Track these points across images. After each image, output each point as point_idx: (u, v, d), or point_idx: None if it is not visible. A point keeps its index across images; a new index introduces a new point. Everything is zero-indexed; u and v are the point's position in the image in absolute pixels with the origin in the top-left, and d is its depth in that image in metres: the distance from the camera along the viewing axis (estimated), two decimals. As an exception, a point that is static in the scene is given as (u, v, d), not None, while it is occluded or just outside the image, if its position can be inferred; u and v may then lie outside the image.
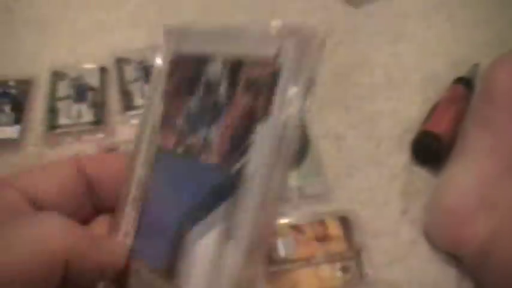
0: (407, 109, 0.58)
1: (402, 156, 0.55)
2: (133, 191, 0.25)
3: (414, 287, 0.47)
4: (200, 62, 0.24)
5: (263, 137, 0.21)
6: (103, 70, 0.60)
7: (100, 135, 0.54)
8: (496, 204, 0.43)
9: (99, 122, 0.55)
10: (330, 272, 0.47)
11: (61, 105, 0.56)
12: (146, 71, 0.59)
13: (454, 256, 0.47)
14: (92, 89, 0.58)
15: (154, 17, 0.69)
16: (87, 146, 0.53)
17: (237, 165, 0.21)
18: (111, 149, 0.51)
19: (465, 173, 0.46)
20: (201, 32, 0.25)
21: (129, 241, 0.25)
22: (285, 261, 0.48)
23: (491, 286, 0.43)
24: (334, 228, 0.50)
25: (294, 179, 0.53)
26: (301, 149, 0.53)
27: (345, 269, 0.48)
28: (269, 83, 0.21)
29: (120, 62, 0.61)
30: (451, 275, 0.47)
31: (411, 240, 0.49)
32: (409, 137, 0.55)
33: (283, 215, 0.50)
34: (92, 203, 0.26)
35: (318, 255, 0.48)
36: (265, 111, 0.21)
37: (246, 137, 0.21)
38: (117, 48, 0.62)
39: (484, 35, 0.64)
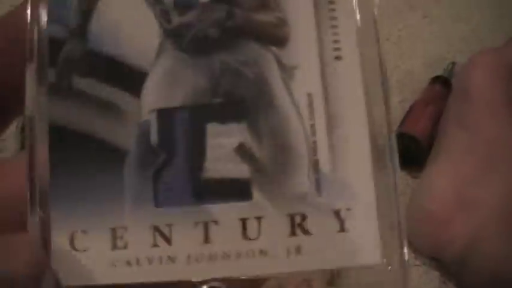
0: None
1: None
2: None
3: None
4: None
5: None
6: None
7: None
8: (476, 205, 0.42)
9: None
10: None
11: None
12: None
13: (436, 259, 0.46)
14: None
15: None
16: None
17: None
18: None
19: (443, 175, 0.45)
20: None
21: None
22: None
23: None
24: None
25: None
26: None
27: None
28: None
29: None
30: (434, 278, 0.46)
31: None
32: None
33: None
34: None
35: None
36: None
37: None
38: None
39: (460, 33, 0.62)
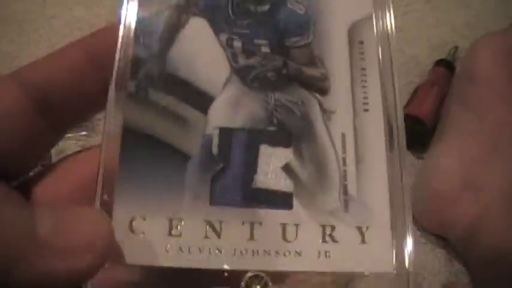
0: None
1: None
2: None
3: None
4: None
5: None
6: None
7: (82, 133, 0.53)
8: (482, 186, 0.42)
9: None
10: None
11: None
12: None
13: (442, 237, 0.46)
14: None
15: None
16: (70, 144, 0.51)
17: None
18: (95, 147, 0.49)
19: (449, 155, 0.45)
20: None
21: None
22: None
23: (477, 268, 0.43)
24: None
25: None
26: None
27: None
28: None
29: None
30: (440, 256, 0.46)
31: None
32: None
33: None
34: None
35: None
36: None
37: None
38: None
39: (463, 18, 0.63)
